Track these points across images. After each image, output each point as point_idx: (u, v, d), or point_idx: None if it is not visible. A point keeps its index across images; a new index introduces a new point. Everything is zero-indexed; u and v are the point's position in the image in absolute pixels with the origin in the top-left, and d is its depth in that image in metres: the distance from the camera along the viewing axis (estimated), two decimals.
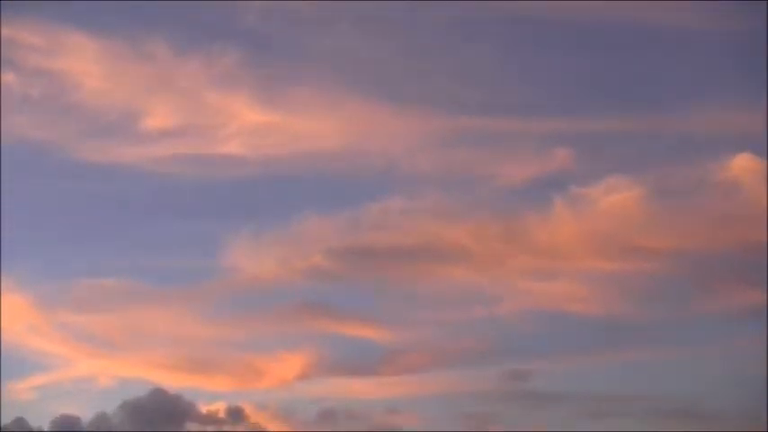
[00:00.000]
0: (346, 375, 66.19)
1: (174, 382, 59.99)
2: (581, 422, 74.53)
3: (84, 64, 59.05)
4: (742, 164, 67.41)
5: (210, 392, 59.43)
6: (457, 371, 70.70)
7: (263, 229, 68.01)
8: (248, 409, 55.00)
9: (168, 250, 64.79)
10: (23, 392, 52.40)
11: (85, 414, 47.65)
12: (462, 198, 72.30)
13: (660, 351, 75.74)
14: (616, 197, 69.85)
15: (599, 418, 74.33)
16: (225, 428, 53.80)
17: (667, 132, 71.74)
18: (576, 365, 76.75)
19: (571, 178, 69.87)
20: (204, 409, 52.84)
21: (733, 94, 67.62)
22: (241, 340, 66.17)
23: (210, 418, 52.70)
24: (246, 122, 65.87)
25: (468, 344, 71.60)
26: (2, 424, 44.03)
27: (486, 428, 69.43)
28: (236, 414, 52.85)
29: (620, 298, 73.21)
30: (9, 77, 54.15)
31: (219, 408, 53.56)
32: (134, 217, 65.02)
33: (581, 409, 71.13)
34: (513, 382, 66.82)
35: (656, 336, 76.35)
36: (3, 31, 51.02)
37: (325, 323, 68.31)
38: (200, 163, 66.81)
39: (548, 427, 68.60)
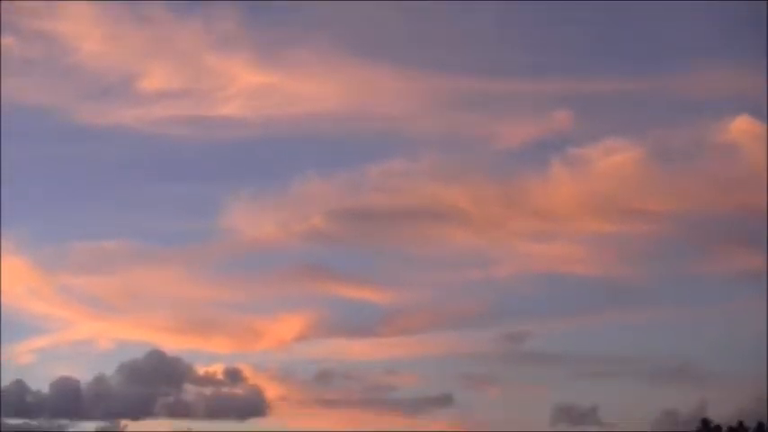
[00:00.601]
0: (345, 337, 66.40)
1: (173, 344, 60.48)
2: (579, 382, 74.22)
3: (82, 27, 58.83)
4: (741, 126, 66.66)
5: (210, 354, 59.85)
6: (455, 332, 70.63)
7: (262, 191, 68.09)
8: (246, 371, 55.40)
9: (168, 212, 65.01)
10: (23, 355, 52.99)
11: (84, 376, 48.12)
12: (462, 160, 71.95)
13: (658, 312, 75.23)
14: (615, 159, 69.33)
15: (597, 378, 73.96)
16: (223, 390, 54.27)
17: (667, 94, 71.10)
18: (574, 326, 76.31)
19: (570, 140, 69.39)
20: (202, 370, 53.25)
21: (733, 56, 66.88)
22: (240, 302, 66.51)
23: (208, 380, 53.11)
24: (246, 84, 65.66)
25: (467, 305, 71.55)
26: (1, 386, 44.43)
27: (483, 389, 69.77)
28: (233, 375, 53.22)
29: (618, 259, 72.90)
30: (9, 41, 54.14)
31: (217, 369, 53.94)
32: (133, 179, 65.23)
33: (579, 369, 70.86)
34: (511, 343, 66.93)
35: (655, 297, 75.78)
36: None
37: (324, 285, 68.52)
38: (199, 125, 66.74)
39: (546, 387, 68.77)
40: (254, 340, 61.81)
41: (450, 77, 64.67)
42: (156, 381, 48.26)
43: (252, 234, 62.97)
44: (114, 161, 59.74)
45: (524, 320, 65.19)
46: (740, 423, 71.01)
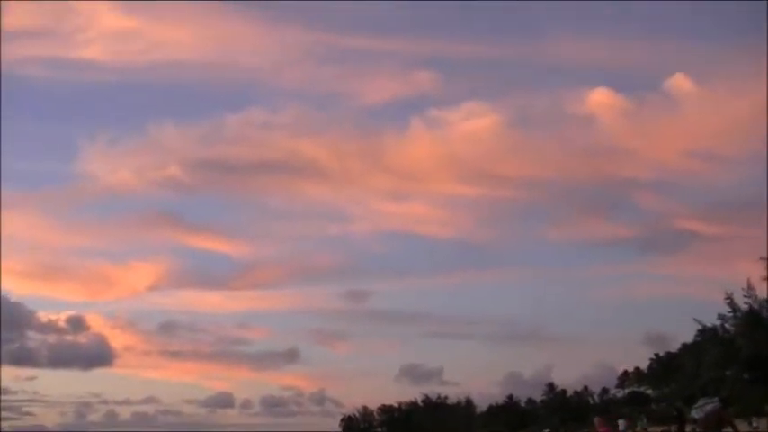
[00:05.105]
0: (198, 288, 66.66)
1: (21, 289, 59.00)
2: (428, 342, 77.08)
3: None
4: (599, 98, 68.82)
5: (58, 301, 58.93)
6: (308, 287, 71.91)
7: (119, 137, 66.48)
8: (94, 319, 54.64)
9: (22, 153, 62.92)
10: None
11: None
12: (323, 115, 72.31)
13: (511, 276, 78.10)
14: (475, 122, 70.72)
15: (446, 338, 76.65)
16: (67, 338, 53.56)
17: (529, 62, 72.57)
18: (426, 287, 78.72)
19: (432, 101, 70.51)
20: (45, 317, 52.36)
21: (595, 29, 68.76)
22: (94, 248, 65.35)
23: (51, 327, 52.34)
24: (107, 27, 63.71)
25: (321, 261, 72.63)
26: None
27: (332, 344, 71.41)
28: (77, 324, 52.66)
29: (473, 222, 75.03)
30: None
31: (61, 317, 53.10)
32: None
33: (429, 329, 73.16)
34: (363, 300, 68.45)
35: (508, 261, 78.62)
36: None
37: (178, 235, 68.05)
38: (58, 66, 64.45)
39: (395, 345, 70.51)
40: (105, 288, 60.91)
41: (315, 32, 64.50)
42: None
43: (107, 180, 61.76)
44: None
45: (377, 279, 66.49)
46: (585, 388, 74.41)
